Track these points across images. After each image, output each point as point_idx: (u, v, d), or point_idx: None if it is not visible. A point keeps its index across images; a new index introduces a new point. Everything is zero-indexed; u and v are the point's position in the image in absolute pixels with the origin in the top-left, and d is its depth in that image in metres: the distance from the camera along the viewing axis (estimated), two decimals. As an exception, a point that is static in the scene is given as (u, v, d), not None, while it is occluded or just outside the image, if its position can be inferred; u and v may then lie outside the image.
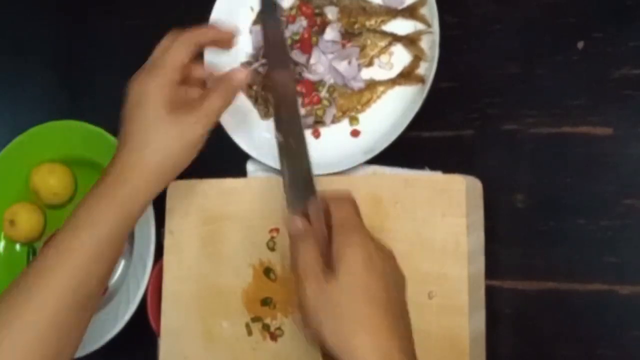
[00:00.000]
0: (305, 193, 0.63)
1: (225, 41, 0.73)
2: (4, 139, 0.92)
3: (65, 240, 0.64)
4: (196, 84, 0.71)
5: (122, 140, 0.67)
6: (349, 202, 0.61)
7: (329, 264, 0.57)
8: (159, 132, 0.65)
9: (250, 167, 0.79)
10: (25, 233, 0.90)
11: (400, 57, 0.74)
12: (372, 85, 0.75)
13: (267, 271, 0.73)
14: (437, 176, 0.69)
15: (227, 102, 0.69)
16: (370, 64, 0.75)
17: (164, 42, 0.70)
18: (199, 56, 0.72)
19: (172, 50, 0.67)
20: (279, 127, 0.68)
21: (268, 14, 0.74)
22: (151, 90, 0.66)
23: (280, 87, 0.70)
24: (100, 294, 0.67)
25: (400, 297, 0.58)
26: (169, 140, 0.65)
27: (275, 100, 0.70)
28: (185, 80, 0.69)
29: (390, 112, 0.74)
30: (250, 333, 0.73)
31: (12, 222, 0.89)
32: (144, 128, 0.66)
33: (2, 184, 0.92)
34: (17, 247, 0.93)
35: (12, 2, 1.02)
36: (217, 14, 0.80)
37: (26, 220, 0.89)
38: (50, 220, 0.92)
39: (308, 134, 0.77)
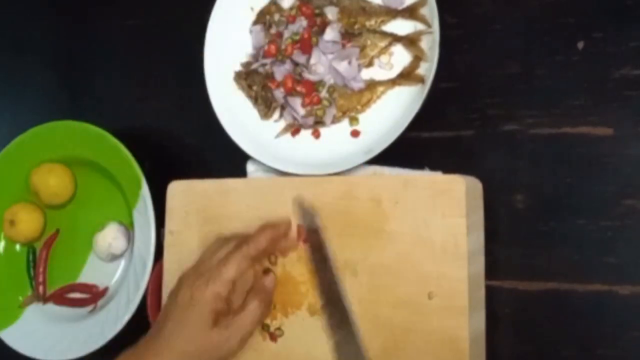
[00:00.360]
0: None
1: (282, 235, 0.71)
2: (4, 139, 0.92)
3: None
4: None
5: (160, 328, 0.68)
6: None
7: None
8: (193, 344, 0.66)
9: (250, 167, 0.79)
10: (25, 233, 0.90)
11: (400, 57, 0.74)
12: (372, 85, 0.75)
13: (267, 272, 0.73)
14: (437, 176, 0.69)
15: (266, 313, 0.71)
16: (370, 64, 0.75)
17: (223, 250, 0.70)
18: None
19: (230, 266, 0.68)
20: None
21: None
22: (204, 299, 0.67)
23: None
24: None
25: None
26: (200, 351, 0.67)
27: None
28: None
29: (390, 113, 0.74)
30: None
31: (12, 222, 0.89)
32: (182, 333, 0.67)
33: (2, 184, 0.92)
34: (17, 247, 0.93)
35: (12, 2, 1.02)
36: (217, 14, 0.80)
37: (26, 220, 0.89)
38: (50, 220, 0.92)
39: (308, 134, 0.78)
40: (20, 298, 0.91)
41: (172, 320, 0.68)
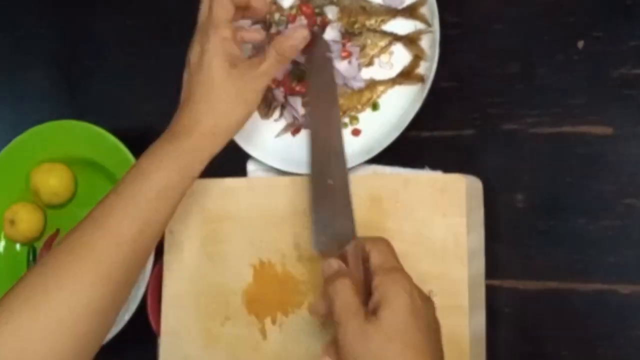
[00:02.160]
0: (343, 234, 0.63)
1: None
2: (4, 138, 0.92)
3: (128, 188, 0.64)
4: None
5: (184, 98, 0.69)
6: (387, 244, 0.61)
7: (366, 305, 0.57)
8: (220, 88, 0.67)
9: (250, 166, 0.79)
10: (26, 233, 0.90)
11: (400, 56, 0.74)
12: (372, 84, 0.75)
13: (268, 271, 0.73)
14: (437, 175, 0.69)
15: (286, 60, 0.70)
16: (370, 63, 0.75)
17: (203, 6, 0.70)
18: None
19: (215, 10, 0.68)
20: (318, 169, 0.68)
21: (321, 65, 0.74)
22: (209, 48, 0.67)
23: (323, 129, 0.70)
24: (152, 249, 0.68)
25: (439, 345, 0.57)
26: (229, 96, 0.67)
27: (314, 142, 0.70)
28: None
29: (390, 112, 0.74)
30: (250, 333, 0.73)
31: (12, 222, 0.89)
32: (207, 84, 0.67)
33: (2, 183, 0.92)
34: (17, 247, 0.93)
35: (12, 2, 1.02)
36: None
37: (26, 220, 0.90)
38: (50, 220, 0.92)
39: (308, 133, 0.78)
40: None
41: (190, 80, 0.68)
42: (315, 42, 0.72)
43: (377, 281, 0.57)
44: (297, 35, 0.69)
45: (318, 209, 0.66)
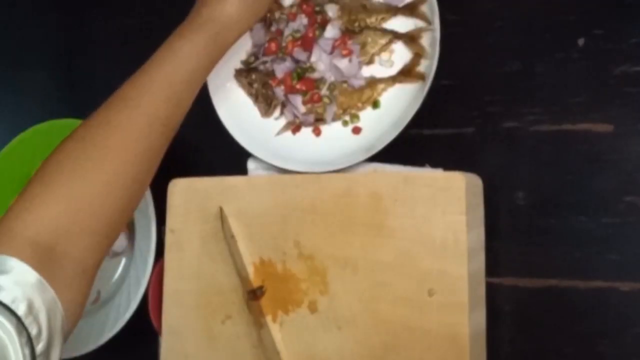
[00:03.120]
0: None
1: None
2: (5, 137, 0.92)
3: (161, 69, 0.67)
4: None
5: None
6: None
7: None
8: None
9: (250, 165, 0.79)
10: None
11: (400, 54, 0.74)
12: (372, 82, 0.75)
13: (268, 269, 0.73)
14: (437, 173, 0.69)
15: None
16: (370, 61, 0.75)
17: None
18: None
19: None
20: None
21: None
22: None
23: None
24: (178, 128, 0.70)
25: None
26: None
27: None
28: None
29: (391, 110, 0.74)
30: (251, 331, 0.73)
31: None
32: None
33: (2, 182, 0.92)
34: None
35: (13, 2, 1.02)
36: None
37: None
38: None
39: (309, 131, 0.78)
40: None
41: None
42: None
43: None
44: None
45: None
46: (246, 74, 0.80)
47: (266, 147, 0.78)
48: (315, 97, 0.76)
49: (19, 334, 0.51)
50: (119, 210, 0.64)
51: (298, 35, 0.77)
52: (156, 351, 0.80)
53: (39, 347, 0.53)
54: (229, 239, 0.74)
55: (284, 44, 0.78)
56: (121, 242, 0.86)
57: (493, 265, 0.68)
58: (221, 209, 0.74)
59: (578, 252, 0.67)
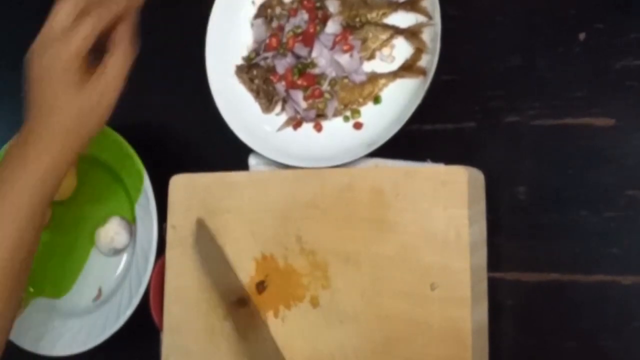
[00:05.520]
0: None
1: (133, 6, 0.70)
2: (6, 135, 0.92)
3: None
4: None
5: (32, 114, 0.68)
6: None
7: None
8: (71, 98, 0.65)
9: (252, 160, 0.79)
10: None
11: (401, 49, 0.74)
12: (373, 78, 0.75)
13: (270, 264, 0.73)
14: (438, 168, 0.69)
15: (129, 57, 0.69)
16: (371, 57, 0.75)
17: (53, 11, 0.68)
18: None
19: (82, 32, 0.65)
20: None
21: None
22: (61, 62, 0.65)
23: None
24: (27, 267, 0.68)
25: None
26: (82, 102, 0.66)
27: None
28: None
29: (392, 105, 0.74)
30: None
31: None
32: (55, 97, 0.66)
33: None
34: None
35: (13, 2, 1.02)
36: (219, 8, 0.80)
37: None
38: (54, 214, 0.92)
39: (310, 127, 0.78)
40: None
41: (38, 90, 0.67)
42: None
43: None
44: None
45: None
46: (247, 70, 0.80)
47: (267, 143, 0.78)
48: (317, 92, 0.76)
49: None
50: None
51: (299, 30, 0.77)
52: (157, 348, 0.80)
53: None
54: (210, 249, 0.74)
55: (284, 40, 0.78)
56: (123, 238, 0.86)
57: (495, 260, 0.68)
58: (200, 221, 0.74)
59: (579, 246, 0.67)
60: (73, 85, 0.65)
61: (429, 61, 0.71)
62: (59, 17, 0.67)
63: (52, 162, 0.66)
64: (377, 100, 0.75)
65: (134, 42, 0.69)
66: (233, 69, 0.81)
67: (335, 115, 0.76)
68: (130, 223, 0.87)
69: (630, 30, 0.67)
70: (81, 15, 0.66)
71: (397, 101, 0.73)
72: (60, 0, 0.67)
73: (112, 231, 0.86)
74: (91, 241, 0.89)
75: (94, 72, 0.67)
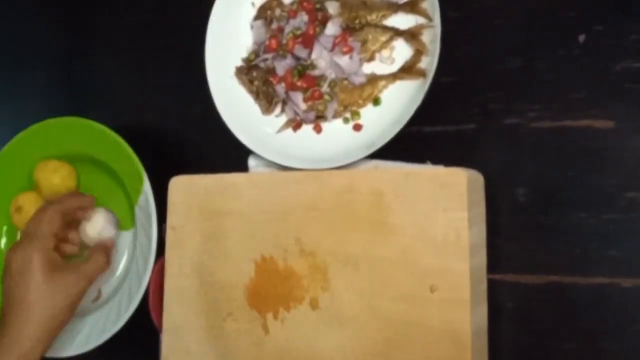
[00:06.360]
0: None
1: (87, 206, 0.83)
2: (6, 135, 0.92)
3: None
4: (72, 242, 0.82)
5: (7, 306, 0.74)
6: None
7: None
8: (43, 294, 0.73)
9: (251, 162, 0.79)
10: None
11: (401, 51, 0.74)
12: (373, 79, 0.75)
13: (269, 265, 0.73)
14: (438, 170, 0.69)
15: (107, 265, 0.81)
16: (371, 58, 0.75)
17: (36, 215, 0.79)
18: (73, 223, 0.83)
19: (45, 222, 0.77)
20: None
21: None
22: (32, 257, 0.74)
23: None
24: None
25: None
26: (53, 300, 0.74)
27: None
28: (61, 240, 0.80)
29: (391, 107, 0.74)
30: (252, 328, 0.73)
31: (19, 209, 0.89)
32: (29, 292, 0.73)
33: (3, 181, 0.92)
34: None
35: (13, 1, 1.02)
36: (218, 9, 0.80)
37: (34, 205, 0.89)
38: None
39: (309, 128, 0.78)
40: (22, 294, 0.91)
41: (14, 288, 0.74)
42: None
43: None
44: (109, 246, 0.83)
45: None
46: (247, 71, 0.80)
47: (267, 144, 0.78)
48: (316, 94, 0.76)
49: None
50: None
51: (299, 32, 0.77)
52: (157, 348, 0.80)
53: None
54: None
55: (284, 42, 0.78)
56: (109, 231, 0.85)
57: (494, 262, 0.68)
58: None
59: (579, 248, 0.67)
60: (47, 274, 0.74)
61: (429, 63, 0.71)
62: (31, 221, 0.79)
63: (24, 354, 0.72)
64: (376, 101, 0.75)
65: (109, 259, 0.82)
66: (233, 71, 0.81)
67: (335, 116, 0.76)
68: (113, 213, 0.87)
69: (630, 32, 0.67)
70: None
71: (397, 103, 0.73)
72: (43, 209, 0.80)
73: (98, 226, 0.85)
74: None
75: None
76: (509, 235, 0.69)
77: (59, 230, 0.78)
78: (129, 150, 0.83)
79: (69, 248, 0.81)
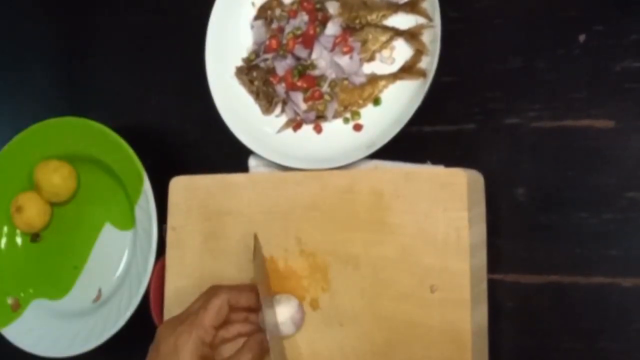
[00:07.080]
0: None
1: (255, 309, 0.71)
2: (7, 135, 0.92)
3: None
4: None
5: None
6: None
7: None
8: None
9: (252, 162, 0.79)
10: (32, 221, 0.89)
11: (401, 51, 0.74)
12: (373, 79, 0.75)
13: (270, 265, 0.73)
14: (438, 170, 0.69)
15: None
16: (371, 58, 0.75)
17: (207, 297, 0.69)
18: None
19: (212, 310, 0.68)
20: None
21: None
22: (185, 348, 0.66)
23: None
24: None
25: None
26: None
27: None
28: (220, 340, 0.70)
29: (392, 107, 0.74)
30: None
31: (19, 209, 0.89)
32: None
33: (3, 181, 0.92)
34: (19, 242, 0.93)
35: (13, 1, 1.02)
36: (219, 9, 0.80)
37: (34, 207, 0.89)
38: (55, 213, 0.92)
39: (310, 128, 0.78)
40: (22, 294, 0.91)
41: None
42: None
43: None
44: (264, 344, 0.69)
45: None
46: (247, 71, 0.80)
47: (267, 144, 0.78)
48: (316, 94, 0.76)
49: None
50: None
51: (299, 32, 0.77)
52: (158, 349, 0.80)
53: None
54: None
55: (284, 42, 0.78)
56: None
57: (495, 262, 0.68)
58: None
59: (579, 248, 0.67)
60: None
61: (429, 63, 0.71)
62: (195, 302, 0.70)
63: None
64: (377, 101, 0.75)
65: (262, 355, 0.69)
66: (233, 71, 0.81)
67: (335, 116, 0.76)
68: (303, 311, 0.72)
69: (630, 32, 0.67)
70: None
71: (397, 103, 0.73)
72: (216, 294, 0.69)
73: (283, 317, 0.71)
74: (91, 242, 0.89)
75: None
76: (509, 234, 0.69)
77: (221, 323, 0.69)
78: (129, 150, 0.83)
79: (225, 349, 0.70)
